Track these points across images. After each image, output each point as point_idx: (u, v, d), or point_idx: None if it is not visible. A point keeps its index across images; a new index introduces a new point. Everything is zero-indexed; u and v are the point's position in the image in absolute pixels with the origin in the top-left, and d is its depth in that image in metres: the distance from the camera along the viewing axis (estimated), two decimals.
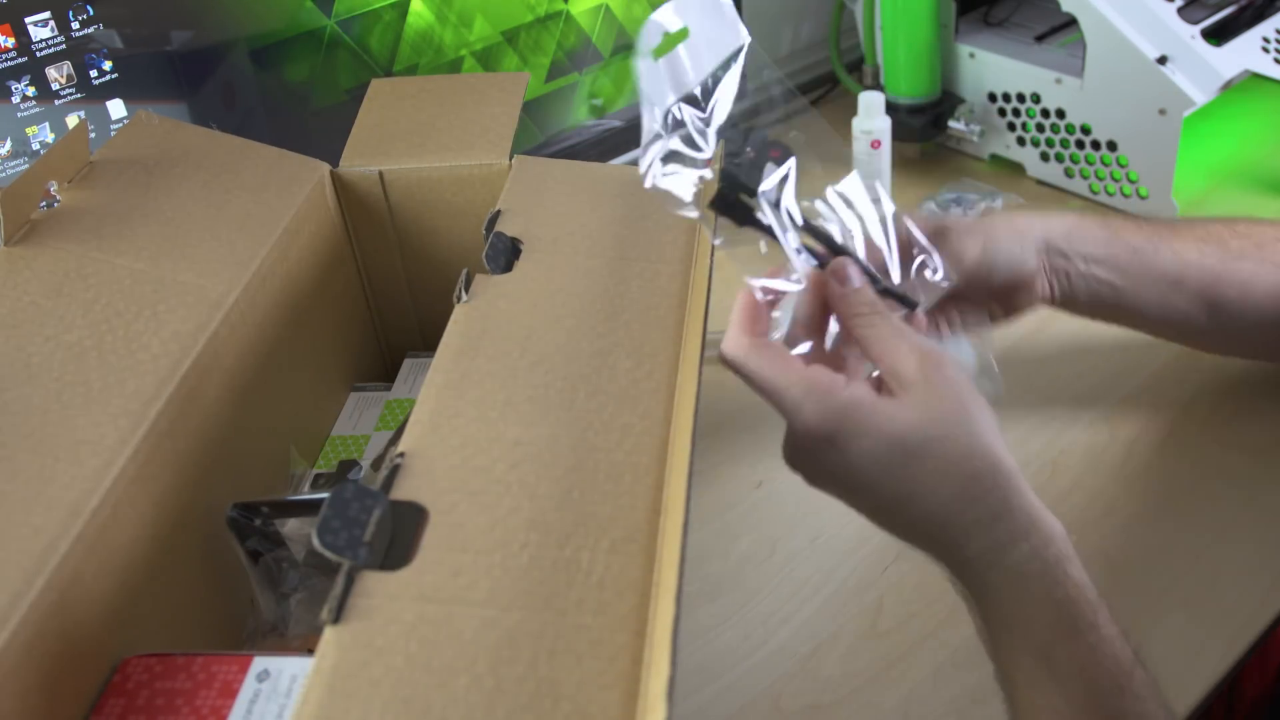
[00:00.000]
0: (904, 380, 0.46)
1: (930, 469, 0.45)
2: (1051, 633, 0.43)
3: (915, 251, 0.58)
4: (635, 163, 0.48)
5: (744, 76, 0.51)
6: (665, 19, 0.47)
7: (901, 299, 0.55)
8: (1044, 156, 1.03)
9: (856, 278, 0.50)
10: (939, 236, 0.60)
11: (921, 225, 0.59)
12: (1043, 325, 0.68)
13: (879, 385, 0.48)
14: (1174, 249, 0.66)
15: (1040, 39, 1.05)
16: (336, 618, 0.36)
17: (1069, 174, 1.02)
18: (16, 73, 0.71)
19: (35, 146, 0.73)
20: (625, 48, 1.03)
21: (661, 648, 0.33)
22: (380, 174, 0.66)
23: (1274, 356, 0.74)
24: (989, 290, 0.64)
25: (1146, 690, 0.43)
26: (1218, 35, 0.94)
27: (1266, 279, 0.66)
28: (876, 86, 1.08)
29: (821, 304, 0.51)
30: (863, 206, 0.55)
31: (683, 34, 0.48)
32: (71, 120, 0.75)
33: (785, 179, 0.51)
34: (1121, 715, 0.42)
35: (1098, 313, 0.69)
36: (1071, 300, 0.67)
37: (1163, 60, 0.90)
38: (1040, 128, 1.02)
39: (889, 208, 0.56)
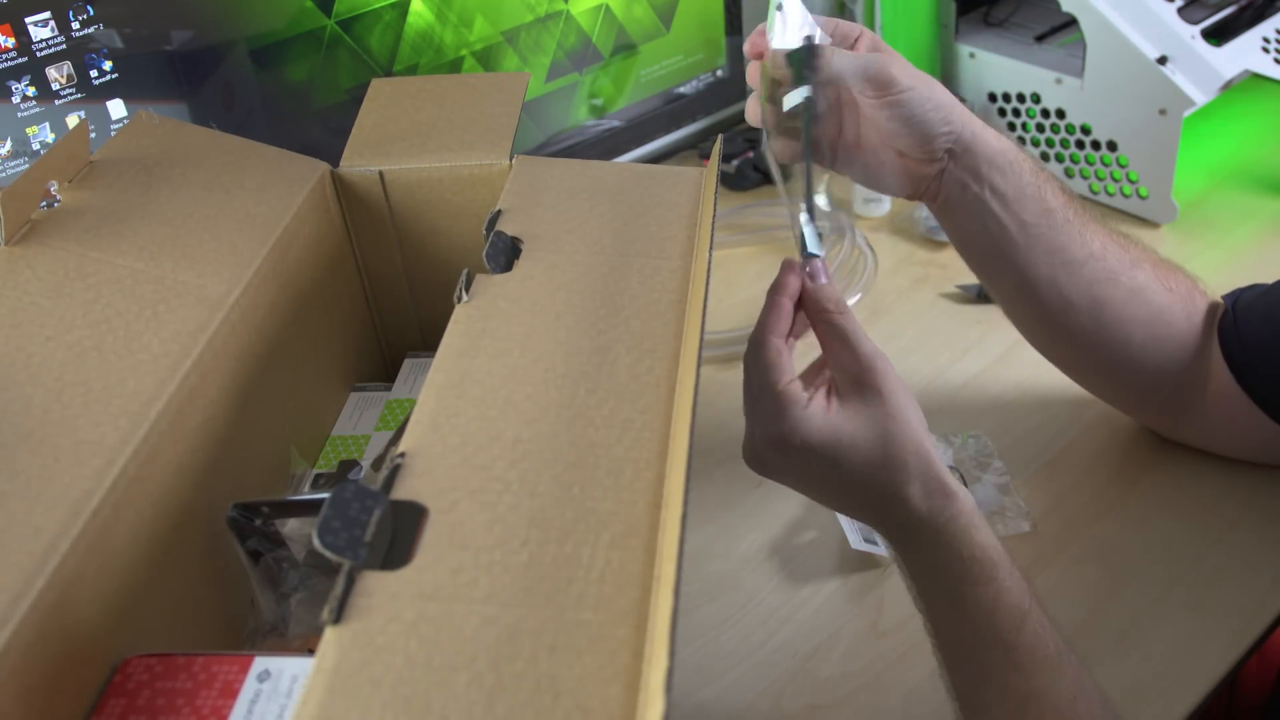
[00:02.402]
0: (841, 389, 0.53)
1: (853, 474, 0.52)
2: (960, 582, 0.51)
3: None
4: (635, 162, 0.49)
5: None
6: None
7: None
8: (1044, 156, 1.03)
9: (823, 275, 0.55)
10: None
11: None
12: None
13: (828, 385, 0.54)
14: (1083, 230, 0.64)
15: (1040, 39, 1.05)
16: (337, 618, 0.36)
17: (1069, 174, 1.02)
18: (16, 73, 0.71)
19: (35, 146, 0.73)
20: (625, 48, 1.03)
21: (660, 640, 0.33)
22: (380, 174, 0.66)
23: (1134, 398, 0.71)
24: (883, 132, 0.62)
25: (1041, 628, 0.51)
26: (1218, 35, 0.94)
27: (1156, 299, 0.65)
28: None
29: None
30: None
31: None
32: (71, 120, 0.75)
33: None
34: (1018, 645, 0.50)
35: (971, 251, 0.66)
36: (950, 211, 0.64)
37: (1163, 60, 0.90)
38: (1040, 128, 1.02)
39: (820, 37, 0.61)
